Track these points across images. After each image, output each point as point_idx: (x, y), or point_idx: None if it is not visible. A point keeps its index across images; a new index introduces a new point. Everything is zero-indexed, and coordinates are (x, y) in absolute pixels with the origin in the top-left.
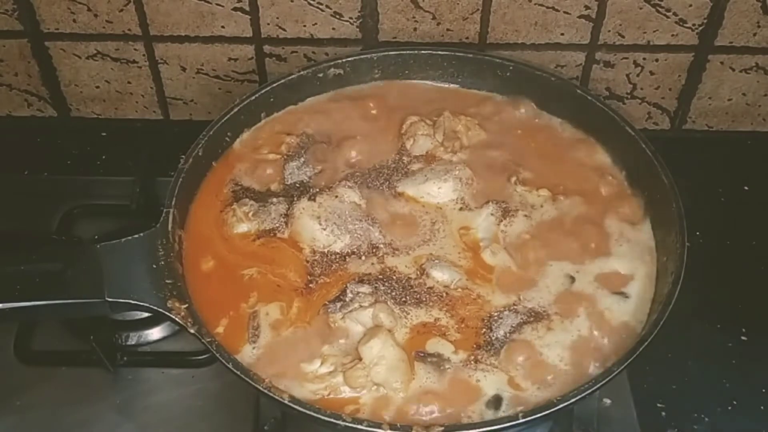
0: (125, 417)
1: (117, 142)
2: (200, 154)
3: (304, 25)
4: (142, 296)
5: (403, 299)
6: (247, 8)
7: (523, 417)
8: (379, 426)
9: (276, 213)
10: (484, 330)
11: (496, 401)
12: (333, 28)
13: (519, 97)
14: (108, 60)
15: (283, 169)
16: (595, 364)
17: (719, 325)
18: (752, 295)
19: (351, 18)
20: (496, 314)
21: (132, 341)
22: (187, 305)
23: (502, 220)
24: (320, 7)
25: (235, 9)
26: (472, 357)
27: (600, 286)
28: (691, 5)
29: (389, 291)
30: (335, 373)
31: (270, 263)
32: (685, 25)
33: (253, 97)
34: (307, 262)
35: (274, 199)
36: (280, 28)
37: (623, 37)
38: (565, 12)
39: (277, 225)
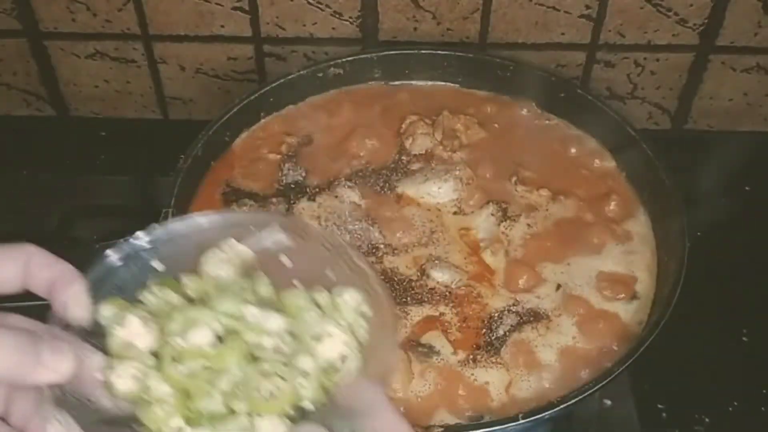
0: None
1: (116, 142)
2: (199, 154)
3: (304, 25)
4: None
5: (404, 299)
6: (247, 7)
7: (523, 418)
8: None
9: None
10: (484, 330)
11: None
12: (333, 28)
13: (519, 97)
14: (107, 59)
15: (281, 169)
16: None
17: (719, 325)
18: (753, 295)
19: (351, 17)
20: (496, 315)
21: None
22: None
23: (502, 221)
24: (320, 6)
25: (234, 8)
26: (471, 357)
27: (601, 287)
28: (691, 5)
29: (390, 291)
30: None
31: None
32: (685, 24)
33: (253, 97)
34: None
35: (274, 200)
36: (279, 27)
37: (624, 36)
38: (565, 12)
39: None
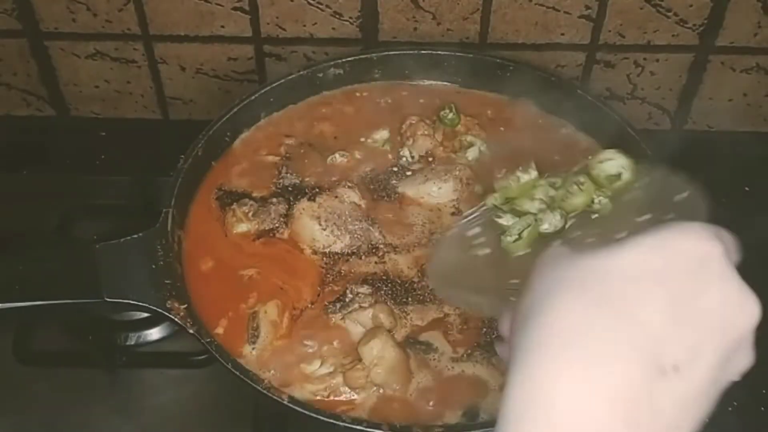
0: (124, 417)
1: (116, 142)
2: (199, 154)
3: (304, 25)
4: (141, 296)
5: (404, 300)
6: (247, 8)
7: None
8: (378, 427)
9: (276, 213)
10: (484, 330)
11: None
12: (333, 28)
13: (519, 98)
14: (107, 59)
15: (280, 170)
16: None
17: None
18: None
19: (351, 18)
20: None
21: (131, 341)
22: (186, 305)
23: None
24: (320, 6)
25: (234, 9)
26: (468, 352)
27: None
28: (691, 5)
29: (390, 292)
30: (335, 373)
31: (279, 267)
32: (685, 25)
33: (253, 97)
34: (323, 268)
35: (274, 200)
36: (279, 27)
37: (624, 37)
38: (565, 12)
39: (277, 225)
